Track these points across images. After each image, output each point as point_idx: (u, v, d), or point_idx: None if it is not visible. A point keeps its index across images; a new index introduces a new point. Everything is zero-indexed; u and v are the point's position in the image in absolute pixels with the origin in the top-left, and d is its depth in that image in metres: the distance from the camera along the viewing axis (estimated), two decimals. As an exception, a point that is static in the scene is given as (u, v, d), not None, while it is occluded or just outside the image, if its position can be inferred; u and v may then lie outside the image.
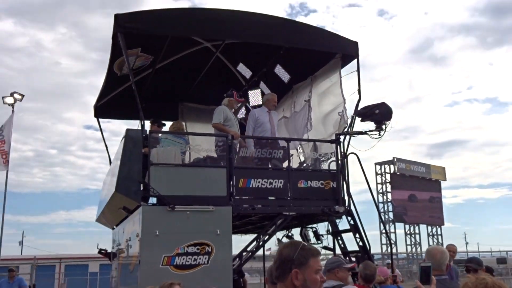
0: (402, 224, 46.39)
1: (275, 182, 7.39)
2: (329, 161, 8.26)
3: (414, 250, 47.10)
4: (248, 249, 7.24)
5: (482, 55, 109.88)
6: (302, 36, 8.09)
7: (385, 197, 46.04)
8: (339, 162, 7.86)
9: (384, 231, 45.26)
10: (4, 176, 16.00)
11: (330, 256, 8.56)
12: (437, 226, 48.26)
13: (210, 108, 10.33)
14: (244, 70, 9.87)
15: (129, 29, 7.16)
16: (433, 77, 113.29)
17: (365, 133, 7.75)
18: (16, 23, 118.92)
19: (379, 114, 7.58)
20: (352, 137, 8.03)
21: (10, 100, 15.84)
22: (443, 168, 50.55)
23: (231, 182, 7.13)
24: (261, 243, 7.33)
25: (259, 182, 7.30)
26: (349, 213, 7.73)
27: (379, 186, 46.39)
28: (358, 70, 8.17)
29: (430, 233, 47.89)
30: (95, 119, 10.64)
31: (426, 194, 47.16)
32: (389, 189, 45.61)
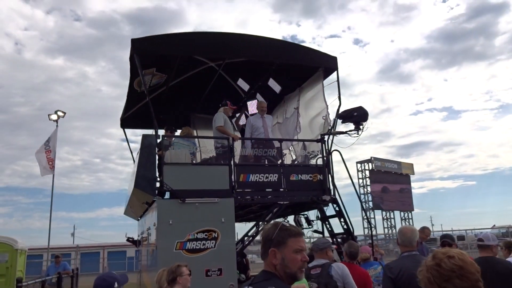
0: (380, 211, 45.94)
1: (271, 176, 7.01)
2: (316, 157, 7.89)
3: (390, 231, 46.59)
4: (249, 234, 6.84)
5: (438, 73, 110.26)
6: (290, 53, 7.74)
7: (365, 189, 45.59)
8: (324, 158, 7.45)
9: (365, 217, 45.00)
10: (51, 179, 15.61)
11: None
12: (408, 212, 47.68)
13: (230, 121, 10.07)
14: (243, 84, 9.49)
15: (143, 51, 6.85)
16: (400, 92, 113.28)
17: (345, 132, 7.36)
18: (66, 59, 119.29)
19: (357, 116, 7.20)
20: (335, 137, 7.65)
21: (54, 117, 15.58)
22: (411, 165, 50.08)
23: (233, 177, 6.75)
24: (260, 228, 6.91)
25: (257, 176, 6.92)
26: (334, 201, 7.33)
27: (360, 180, 45.92)
28: (338, 80, 7.80)
29: (403, 218, 47.27)
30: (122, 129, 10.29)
31: (398, 186, 46.70)
32: (368, 183, 45.13)
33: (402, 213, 47.36)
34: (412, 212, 48.37)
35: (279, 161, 7.58)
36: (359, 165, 46.36)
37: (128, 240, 9.55)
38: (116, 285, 3.08)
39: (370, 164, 45.35)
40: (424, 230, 7.48)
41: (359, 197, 7.57)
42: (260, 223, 6.92)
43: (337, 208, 7.33)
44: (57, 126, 15.19)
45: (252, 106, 9.50)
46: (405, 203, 47.27)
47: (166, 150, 6.90)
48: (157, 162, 6.59)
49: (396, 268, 3.56)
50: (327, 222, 7.70)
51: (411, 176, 49.53)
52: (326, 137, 7.51)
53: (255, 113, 8.43)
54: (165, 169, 6.50)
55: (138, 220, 9.56)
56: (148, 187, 6.37)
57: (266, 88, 9.15)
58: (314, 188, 7.27)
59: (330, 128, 7.58)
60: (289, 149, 8.95)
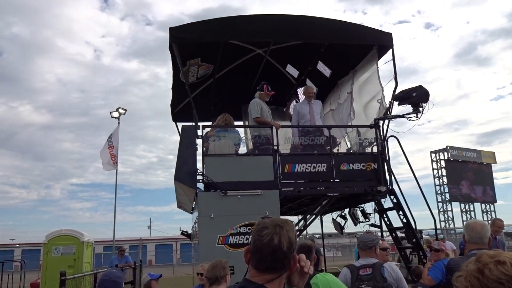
0: (457, 203, 42.79)
1: (319, 166, 6.45)
2: (372, 145, 7.18)
3: (470, 225, 43.42)
4: (296, 228, 6.34)
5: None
6: (339, 33, 7.07)
7: (441, 180, 42.76)
8: (379, 144, 6.74)
9: (441, 209, 42.45)
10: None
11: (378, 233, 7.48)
12: (490, 204, 44.02)
13: (268, 107, 9.61)
14: (292, 71, 8.96)
15: (182, 39, 6.57)
16: (478, 76, 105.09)
17: (402, 116, 6.57)
18: (140, 62, 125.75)
19: (416, 97, 6.38)
20: (392, 121, 6.89)
21: (116, 114, 16.02)
22: (493, 153, 46.09)
23: (278, 168, 6.30)
24: (308, 222, 6.40)
25: (303, 167, 6.40)
26: (391, 192, 6.60)
27: (435, 171, 43.14)
28: (393, 59, 6.99)
29: (484, 210, 43.73)
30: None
31: (478, 176, 43.17)
32: (444, 173, 42.22)
33: (483, 205, 43.88)
34: (495, 204, 44.64)
35: (328, 150, 6.98)
36: (433, 155, 43.59)
37: (182, 233, 9.46)
38: (123, 285, 2.82)
39: (445, 153, 42.40)
40: (495, 222, 6.53)
41: (420, 187, 6.77)
42: (308, 216, 6.40)
43: (394, 200, 6.59)
44: (119, 123, 15.63)
45: (302, 93, 8.94)
46: (487, 194, 43.69)
47: (207, 142, 6.63)
48: (197, 154, 6.30)
49: (459, 268, 2.92)
50: (384, 216, 6.98)
51: (493, 165, 45.63)
52: (381, 122, 6.78)
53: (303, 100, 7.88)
54: (206, 161, 6.22)
55: (191, 213, 9.44)
56: (188, 179, 6.11)
57: (316, 73, 8.55)
58: (368, 178, 6.60)
59: (386, 112, 6.84)
60: (343, 137, 8.30)
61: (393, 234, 6.95)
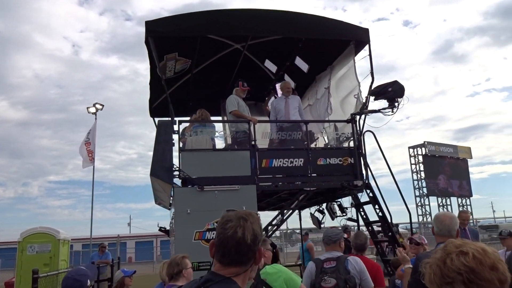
0: (435, 198, 43.62)
1: (296, 161, 6.46)
2: (349, 140, 7.22)
3: (447, 219, 44.31)
4: (273, 223, 6.35)
5: (496, 51, 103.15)
6: (317, 28, 7.05)
7: (418, 175, 43.54)
8: (356, 139, 6.78)
9: (419, 203, 43.26)
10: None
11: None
12: (466, 198, 45.02)
13: (246, 103, 9.56)
14: (270, 66, 8.94)
15: (158, 33, 6.46)
16: (454, 73, 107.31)
17: (378, 111, 6.63)
18: (119, 58, 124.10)
19: (392, 92, 6.44)
20: (372, 116, 6.94)
21: (92, 109, 15.75)
22: (469, 148, 47.04)
23: (255, 163, 6.28)
24: (284, 217, 6.41)
25: (280, 161, 6.40)
26: (367, 186, 6.65)
27: (413, 166, 43.87)
28: (370, 55, 7.04)
29: (460, 204, 44.71)
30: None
31: (455, 171, 44.06)
32: (422, 168, 42.96)
33: (459, 199, 44.84)
34: (471, 198, 45.68)
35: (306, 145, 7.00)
36: (411, 150, 44.33)
37: (160, 229, 9.37)
38: (88, 282, 2.74)
39: (423, 148, 43.13)
40: (461, 214, 6.64)
41: (396, 181, 6.85)
42: (285, 211, 6.40)
43: (371, 194, 6.66)
44: (95, 118, 15.38)
45: (279, 88, 8.93)
46: (463, 188, 44.65)
47: (184, 137, 6.56)
48: (173, 149, 6.23)
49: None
50: (361, 210, 7.04)
51: (469, 160, 46.64)
52: (357, 117, 6.83)
53: (281, 95, 7.87)
54: (182, 156, 6.15)
55: (169, 209, 9.35)
56: (164, 175, 6.03)
57: (295, 68, 8.55)
58: (345, 172, 6.64)
59: (362, 107, 6.88)
60: (321, 133, 8.33)
61: (369, 228, 7.02)
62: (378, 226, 7.35)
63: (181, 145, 6.59)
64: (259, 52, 8.53)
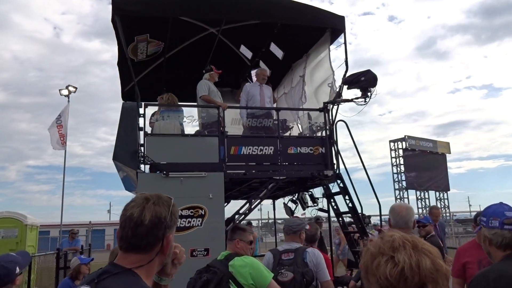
0: (414, 191, 44.16)
1: (265, 149, 6.31)
2: (323, 130, 7.10)
3: (424, 211, 44.94)
4: (241, 211, 6.20)
5: (477, 50, 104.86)
6: (292, 13, 6.86)
7: (398, 168, 43.89)
8: (327, 128, 6.66)
9: (398, 196, 43.69)
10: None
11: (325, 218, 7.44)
12: (444, 192, 45.69)
13: (223, 90, 9.34)
14: (246, 52, 8.73)
15: (126, 11, 6.17)
16: (436, 69, 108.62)
17: (351, 100, 6.50)
18: (102, 42, 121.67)
19: (364, 81, 6.32)
20: (351, 107, 6.82)
21: (65, 92, 15.32)
22: (448, 143, 47.49)
23: (223, 149, 6.11)
24: (252, 206, 6.26)
25: (250, 149, 6.24)
26: (338, 176, 6.55)
27: (394, 159, 44.22)
28: (345, 43, 6.90)
29: (438, 198, 45.31)
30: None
31: (433, 165, 44.62)
32: (402, 162, 43.35)
33: (437, 193, 45.48)
34: (448, 192, 46.41)
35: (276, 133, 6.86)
36: (392, 144, 44.53)
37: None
38: (18, 270, 2.54)
39: (404, 142, 43.40)
40: (432, 210, 6.63)
41: (367, 173, 6.73)
42: (253, 200, 6.26)
43: (341, 185, 6.55)
44: (68, 101, 14.96)
45: (255, 74, 8.74)
46: (441, 182, 45.31)
47: (152, 122, 6.34)
48: (140, 133, 6.01)
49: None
50: (332, 200, 6.95)
51: (447, 155, 47.25)
52: (330, 106, 6.70)
53: (255, 82, 7.68)
54: (147, 141, 5.93)
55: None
56: (128, 159, 5.82)
57: (270, 55, 8.36)
58: (316, 162, 6.52)
59: (336, 96, 6.75)
60: (296, 121, 8.19)
61: (340, 219, 6.94)
62: (350, 217, 7.31)
63: (148, 130, 6.39)
64: (234, 37, 8.31)
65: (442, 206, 45.27)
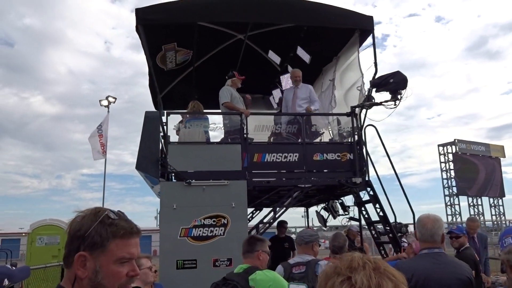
0: (465, 197, 42.01)
1: (290, 156, 6.10)
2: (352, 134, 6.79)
3: (479, 219, 42.53)
4: (265, 220, 6.02)
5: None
6: (319, 16, 6.63)
7: (448, 173, 41.98)
8: (355, 134, 6.36)
9: (449, 203, 41.81)
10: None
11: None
12: (498, 198, 43.16)
13: (254, 96, 9.22)
14: (274, 57, 8.56)
15: (149, 20, 6.20)
16: (488, 70, 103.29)
17: (380, 104, 6.16)
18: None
19: (393, 83, 5.97)
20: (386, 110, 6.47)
21: (105, 102, 15.82)
22: (502, 147, 45.00)
23: (246, 157, 5.96)
24: (277, 215, 6.06)
25: (273, 156, 6.05)
26: (367, 184, 6.22)
27: (443, 164, 42.35)
28: (374, 44, 6.58)
29: (492, 204, 42.91)
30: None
31: (486, 170, 42.27)
32: (451, 167, 41.41)
33: (491, 200, 43.06)
34: (503, 198, 43.78)
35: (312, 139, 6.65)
36: (441, 148, 42.76)
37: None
38: (6, 282, 2.50)
39: (453, 146, 41.56)
40: (468, 223, 6.10)
41: (399, 179, 6.37)
42: (278, 208, 6.06)
43: (371, 193, 6.22)
44: (108, 111, 15.44)
45: (285, 80, 8.56)
46: (495, 188, 42.81)
47: (178, 130, 6.32)
48: (162, 142, 5.99)
49: (408, 270, 2.57)
50: (363, 208, 6.61)
51: (501, 159, 44.70)
52: (357, 110, 6.39)
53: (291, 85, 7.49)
54: (170, 149, 5.90)
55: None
56: (150, 168, 5.80)
57: (298, 60, 8.15)
58: (343, 169, 6.23)
59: (365, 99, 6.44)
60: (327, 127, 7.91)
61: (371, 228, 6.59)
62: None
63: (174, 138, 6.37)
64: (262, 43, 8.17)
65: (496, 213, 42.83)
